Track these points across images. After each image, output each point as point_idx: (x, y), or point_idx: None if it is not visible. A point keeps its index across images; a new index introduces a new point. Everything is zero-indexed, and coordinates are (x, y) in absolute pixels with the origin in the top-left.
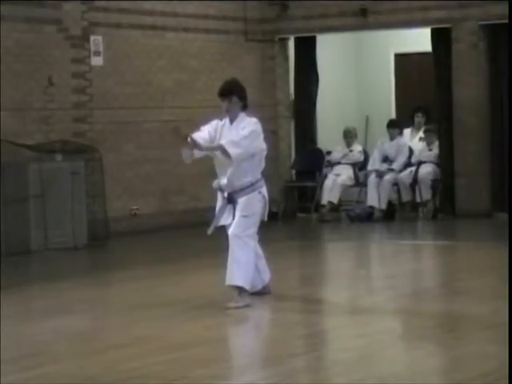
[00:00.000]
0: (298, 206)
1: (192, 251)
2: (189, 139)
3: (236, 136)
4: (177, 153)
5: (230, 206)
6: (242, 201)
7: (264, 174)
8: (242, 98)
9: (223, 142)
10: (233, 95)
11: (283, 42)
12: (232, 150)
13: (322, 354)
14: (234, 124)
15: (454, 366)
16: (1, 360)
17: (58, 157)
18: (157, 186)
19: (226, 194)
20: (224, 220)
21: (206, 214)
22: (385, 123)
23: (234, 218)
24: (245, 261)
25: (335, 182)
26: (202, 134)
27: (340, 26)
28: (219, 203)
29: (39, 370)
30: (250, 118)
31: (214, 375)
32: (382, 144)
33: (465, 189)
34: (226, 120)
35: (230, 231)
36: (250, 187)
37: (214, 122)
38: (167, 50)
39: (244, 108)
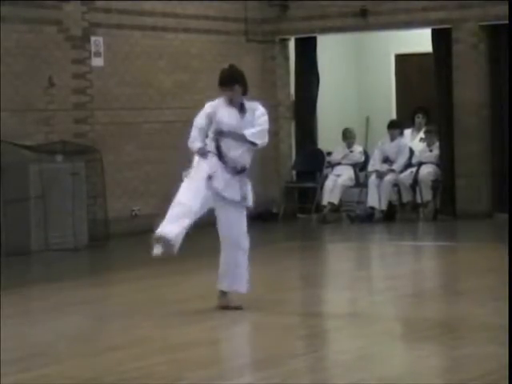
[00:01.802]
0: (299, 207)
1: (192, 252)
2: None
3: (257, 126)
4: (177, 153)
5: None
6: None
7: (264, 174)
8: (244, 84)
9: (247, 133)
10: (235, 84)
11: (284, 42)
12: (259, 142)
13: (322, 355)
14: (249, 112)
15: (455, 367)
16: (1, 361)
17: (59, 157)
18: (157, 187)
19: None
20: (230, 194)
21: (206, 215)
22: (385, 124)
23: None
24: (246, 266)
25: (336, 183)
26: (201, 123)
27: (340, 26)
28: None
29: (40, 371)
30: (257, 103)
31: (213, 376)
32: (383, 145)
33: (465, 189)
34: (220, 101)
35: (235, 235)
36: (245, 171)
37: (209, 106)
38: (168, 50)
39: (244, 93)
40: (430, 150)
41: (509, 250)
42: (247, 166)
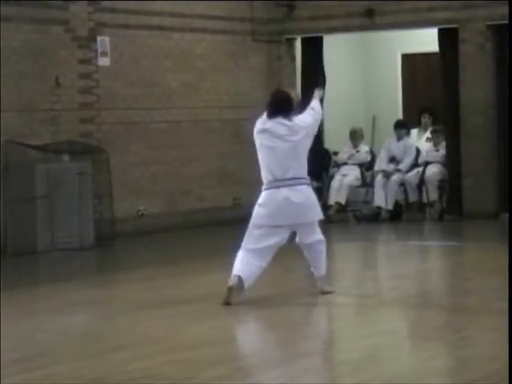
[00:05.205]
0: None
1: (199, 251)
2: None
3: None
4: (183, 153)
5: None
6: None
7: None
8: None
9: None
10: None
11: (290, 42)
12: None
13: (329, 355)
14: None
15: (461, 367)
16: (7, 360)
17: (65, 157)
18: (164, 187)
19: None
20: None
21: (213, 215)
22: (392, 123)
23: None
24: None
25: (342, 183)
26: None
27: (346, 26)
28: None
29: (46, 371)
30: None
31: (221, 376)
32: (389, 144)
33: (472, 189)
34: None
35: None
36: None
37: None
38: (174, 50)
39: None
40: (437, 150)
41: (509, 250)
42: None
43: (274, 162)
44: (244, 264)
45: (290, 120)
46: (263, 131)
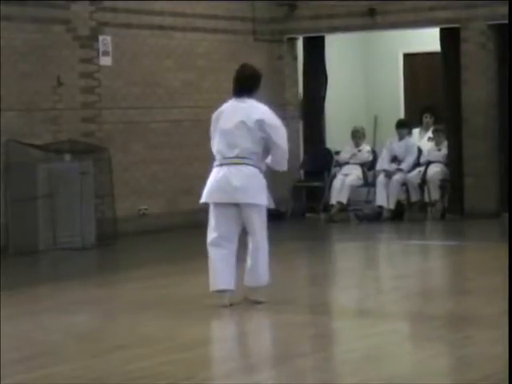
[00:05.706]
0: (307, 206)
1: (199, 251)
2: None
3: None
4: (185, 153)
5: None
6: None
7: (273, 173)
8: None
9: None
10: None
11: (291, 41)
12: None
13: (330, 355)
14: None
15: (462, 367)
16: (8, 360)
17: (67, 157)
18: (165, 186)
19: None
20: None
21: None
22: (393, 123)
23: None
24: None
25: (344, 182)
26: None
27: (348, 26)
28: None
29: (46, 370)
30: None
31: (220, 375)
32: (391, 144)
33: (473, 189)
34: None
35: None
36: None
37: None
38: (175, 49)
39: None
40: (439, 150)
41: (509, 250)
42: None
43: (224, 141)
44: (218, 265)
45: (253, 99)
46: (225, 110)
